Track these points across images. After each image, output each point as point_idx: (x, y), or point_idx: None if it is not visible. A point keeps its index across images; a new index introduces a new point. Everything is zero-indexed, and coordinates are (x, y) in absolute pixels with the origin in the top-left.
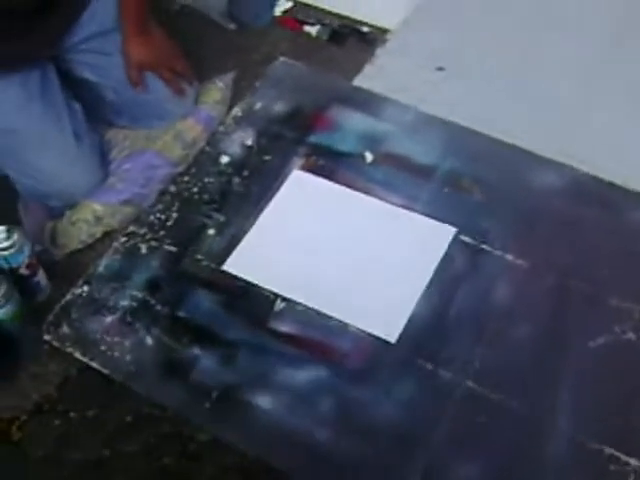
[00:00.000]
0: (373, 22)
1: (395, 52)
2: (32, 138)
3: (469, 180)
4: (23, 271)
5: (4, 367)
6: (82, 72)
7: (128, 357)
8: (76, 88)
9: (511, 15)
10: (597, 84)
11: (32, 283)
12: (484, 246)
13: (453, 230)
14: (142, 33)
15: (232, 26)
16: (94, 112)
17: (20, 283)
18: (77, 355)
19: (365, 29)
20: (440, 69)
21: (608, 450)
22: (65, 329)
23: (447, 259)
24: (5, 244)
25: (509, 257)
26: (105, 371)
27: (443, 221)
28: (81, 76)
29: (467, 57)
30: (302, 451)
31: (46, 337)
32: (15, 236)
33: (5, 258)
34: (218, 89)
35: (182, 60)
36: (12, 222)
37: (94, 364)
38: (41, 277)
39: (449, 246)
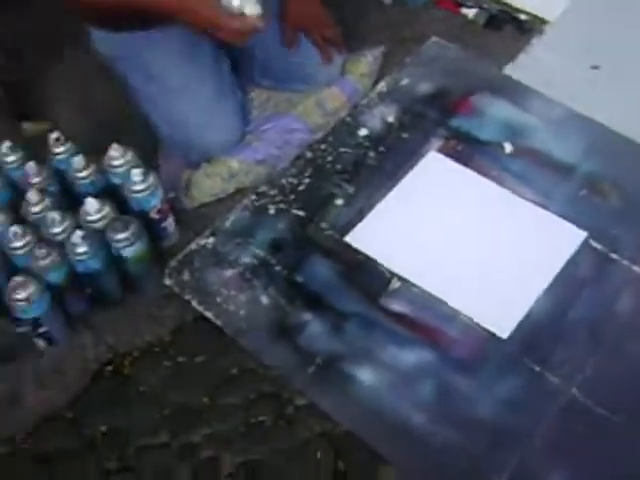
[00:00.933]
0: (532, 11)
1: (551, 45)
2: (178, 89)
3: (608, 184)
4: (153, 215)
5: (126, 304)
6: None
7: (242, 312)
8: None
9: None
10: None
11: (160, 228)
12: (613, 255)
13: (584, 234)
14: None
15: (389, 1)
16: (241, 69)
17: (149, 226)
18: (194, 303)
19: (523, 17)
20: (595, 67)
21: None
22: (186, 276)
23: (573, 262)
24: (139, 187)
25: (637, 269)
26: (218, 322)
27: (575, 223)
28: None
29: (625, 57)
30: (395, 432)
31: (167, 282)
32: (150, 179)
33: (138, 200)
34: (367, 62)
35: (334, 28)
36: (150, 166)
37: (209, 314)
38: (170, 223)
39: (577, 250)
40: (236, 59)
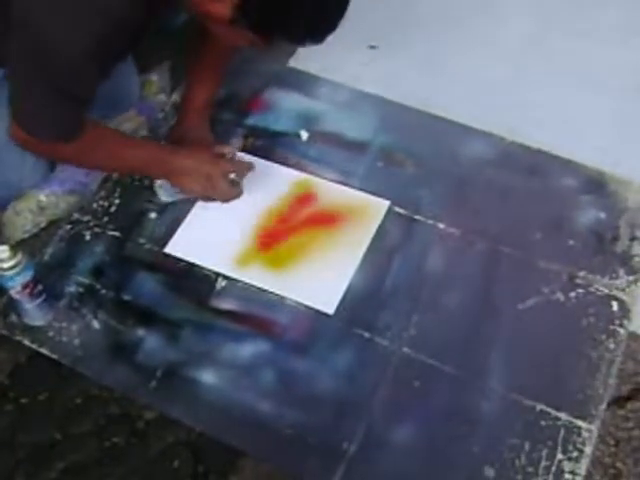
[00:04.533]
0: None
1: None
2: None
3: (402, 154)
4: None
5: None
6: None
7: (76, 341)
8: None
9: None
10: (524, 58)
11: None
12: (417, 216)
13: (387, 203)
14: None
15: None
16: None
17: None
18: (26, 342)
19: None
20: (373, 47)
21: (539, 406)
22: (13, 317)
23: (382, 231)
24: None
25: (441, 226)
26: (54, 356)
27: (377, 194)
28: None
29: (399, 35)
30: (244, 423)
31: None
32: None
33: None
34: (155, 80)
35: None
36: None
37: (43, 350)
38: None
39: (384, 218)
40: None
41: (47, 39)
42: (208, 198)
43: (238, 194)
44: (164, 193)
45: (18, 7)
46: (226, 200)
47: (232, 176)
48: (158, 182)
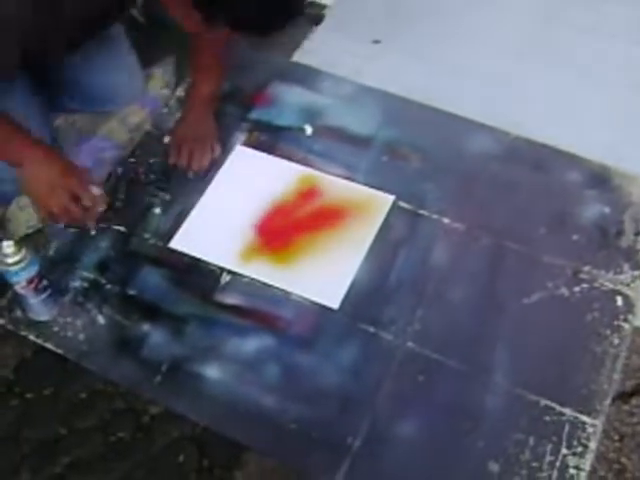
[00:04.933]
0: None
1: (332, 27)
2: None
3: (406, 148)
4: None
5: None
6: None
7: (81, 336)
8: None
9: None
10: (528, 54)
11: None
12: (422, 211)
13: (392, 197)
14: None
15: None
16: (49, 96)
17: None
18: (32, 337)
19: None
20: (376, 42)
21: (544, 401)
22: (18, 313)
23: (386, 225)
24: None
25: (446, 220)
26: (59, 351)
27: (382, 188)
28: None
29: (402, 29)
30: (249, 418)
31: (0, 321)
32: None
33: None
34: (160, 75)
35: (217, 147)
36: None
37: (48, 345)
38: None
39: (388, 212)
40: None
41: None
42: (40, 204)
43: (72, 216)
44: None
45: None
46: (59, 217)
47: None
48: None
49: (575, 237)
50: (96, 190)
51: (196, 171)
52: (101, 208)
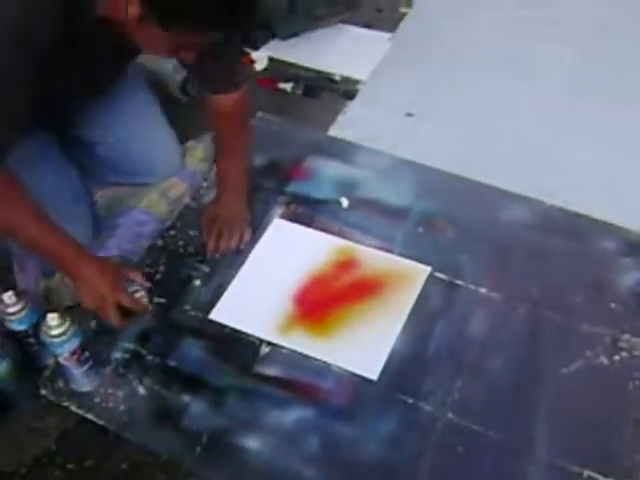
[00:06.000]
0: (345, 74)
1: (366, 101)
2: (43, 199)
3: (442, 219)
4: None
5: (3, 422)
6: (78, 129)
7: (122, 407)
8: (67, 145)
9: (475, 60)
10: (560, 124)
11: (35, 349)
12: (458, 281)
13: (428, 268)
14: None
15: (184, 99)
16: (88, 171)
17: (22, 344)
18: (73, 408)
19: (337, 79)
20: (409, 115)
21: (587, 472)
22: (61, 383)
23: (423, 296)
24: (12, 309)
25: (483, 290)
26: (100, 422)
27: (418, 259)
28: (75, 133)
29: (434, 102)
30: None
31: (43, 392)
32: (23, 301)
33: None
34: (199, 148)
35: (248, 231)
36: (6, 281)
37: (89, 416)
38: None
39: (425, 283)
40: (80, 159)
41: None
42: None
43: (121, 325)
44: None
45: None
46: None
47: (137, 295)
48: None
49: (613, 305)
50: (140, 293)
51: (223, 253)
52: (146, 312)
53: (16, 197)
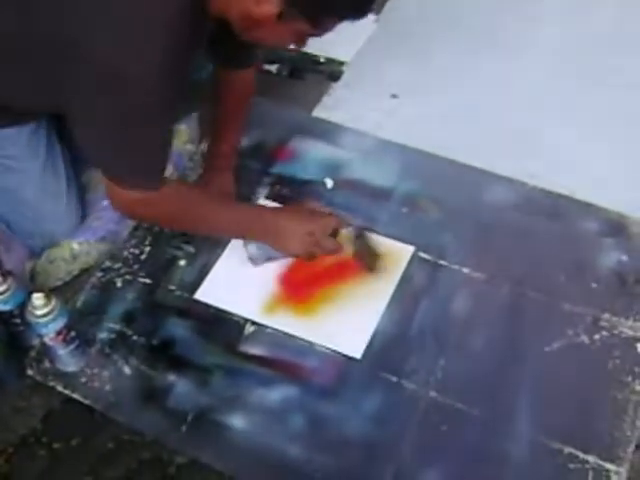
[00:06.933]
0: (329, 56)
1: (351, 82)
2: (34, 181)
3: (426, 200)
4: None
5: None
6: None
7: (107, 387)
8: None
9: (459, 42)
10: (543, 106)
11: (21, 329)
12: (442, 261)
13: (412, 248)
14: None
15: None
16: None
17: (8, 325)
18: (59, 388)
19: (322, 60)
20: (394, 96)
21: (567, 449)
22: (47, 364)
23: (407, 276)
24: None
25: (466, 270)
26: (87, 402)
27: (402, 239)
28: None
29: (419, 83)
30: (274, 468)
31: (29, 372)
32: (9, 281)
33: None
34: (185, 131)
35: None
36: None
37: (75, 396)
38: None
39: (409, 263)
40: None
41: (118, 67)
42: (311, 256)
43: (339, 248)
44: (256, 255)
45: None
46: (330, 254)
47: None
48: (251, 245)
49: (594, 285)
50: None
51: None
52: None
53: (194, 199)
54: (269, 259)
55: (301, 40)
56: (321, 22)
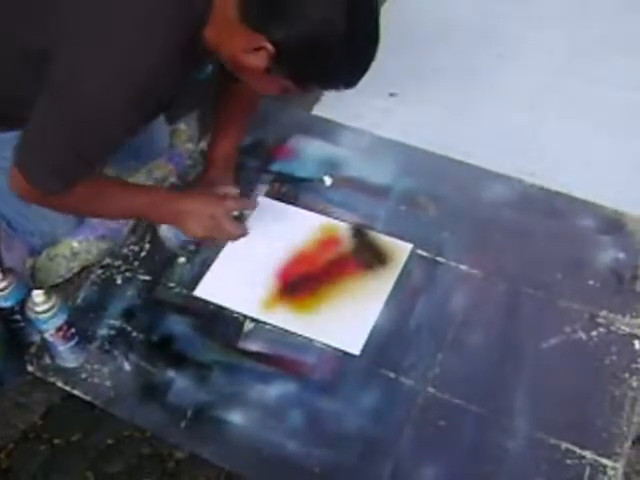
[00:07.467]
0: None
1: None
2: None
3: (424, 197)
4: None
5: None
6: None
7: (108, 383)
8: None
9: (459, 41)
10: (540, 104)
11: (21, 326)
12: (440, 258)
13: (410, 245)
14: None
15: None
16: None
17: (8, 321)
18: (59, 384)
19: None
20: (392, 95)
21: (564, 445)
22: (47, 360)
23: (405, 272)
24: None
25: (463, 267)
26: (86, 398)
27: (400, 237)
28: None
29: (417, 82)
30: (273, 463)
31: (29, 368)
32: (9, 278)
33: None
34: (184, 130)
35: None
36: None
37: (76, 392)
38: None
39: (407, 260)
40: None
41: (87, 89)
42: (212, 240)
43: (243, 233)
44: (169, 239)
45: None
46: (231, 239)
47: (235, 213)
48: (163, 227)
49: (591, 282)
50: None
51: None
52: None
53: (103, 185)
54: (181, 241)
55: (287, 93)
56: (307, 86)
